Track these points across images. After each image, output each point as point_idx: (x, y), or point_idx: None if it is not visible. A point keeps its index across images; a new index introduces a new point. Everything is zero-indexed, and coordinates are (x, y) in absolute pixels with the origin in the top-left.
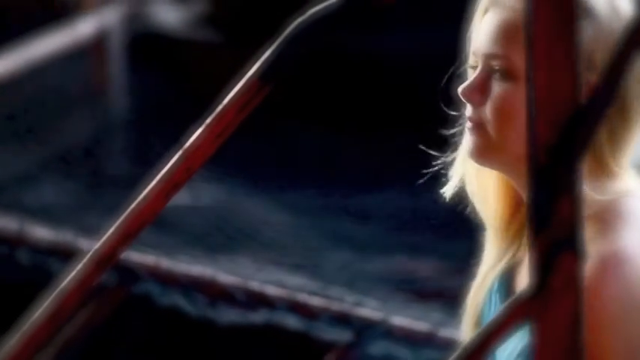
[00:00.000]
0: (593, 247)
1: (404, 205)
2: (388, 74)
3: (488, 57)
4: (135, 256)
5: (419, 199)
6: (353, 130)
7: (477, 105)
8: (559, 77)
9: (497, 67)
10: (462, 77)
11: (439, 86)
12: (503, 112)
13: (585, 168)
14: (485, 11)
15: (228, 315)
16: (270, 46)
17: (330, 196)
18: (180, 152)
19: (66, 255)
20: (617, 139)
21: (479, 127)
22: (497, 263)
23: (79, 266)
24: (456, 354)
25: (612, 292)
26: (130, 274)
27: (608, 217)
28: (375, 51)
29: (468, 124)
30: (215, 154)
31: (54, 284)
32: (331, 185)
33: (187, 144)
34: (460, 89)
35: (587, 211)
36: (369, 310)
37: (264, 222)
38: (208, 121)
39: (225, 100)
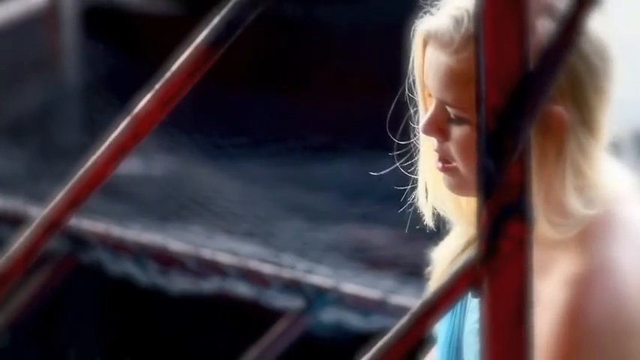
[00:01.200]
0: (581, 261)
1: (357, 174)
2: (342, 42)
3: (440, 101)
4: (85, 224)
5: (372, 167)
6: (306, 99)
7: (442, 140)
8: (507, 43)
9: (451, 112)
10: (414, 100)
11: (390, 55)
12: (465, 152)
13: (570, 187)
14: (425, 44)
15: (180, 283)
16: (219, 12)
17: (282, 165)
18: (128, 118)
19: (16, 222)
20: (587, 148)
21: (449, 167)
22: (466, 250)
23: (27, 232)
24: (404, 319)
25: (597, 307)
26: (80, 242)
27: (597, 230)
28: (327, 18)
29: (439, 165)
30: (167, 122)
31: (2, 251)
32: (284, 154)
33: (136, 110)
34: (421, 126)
35: (577, 228)
36: (320, 277)
37: (216, 191)
38: (157, 87)
39: (174, 66)
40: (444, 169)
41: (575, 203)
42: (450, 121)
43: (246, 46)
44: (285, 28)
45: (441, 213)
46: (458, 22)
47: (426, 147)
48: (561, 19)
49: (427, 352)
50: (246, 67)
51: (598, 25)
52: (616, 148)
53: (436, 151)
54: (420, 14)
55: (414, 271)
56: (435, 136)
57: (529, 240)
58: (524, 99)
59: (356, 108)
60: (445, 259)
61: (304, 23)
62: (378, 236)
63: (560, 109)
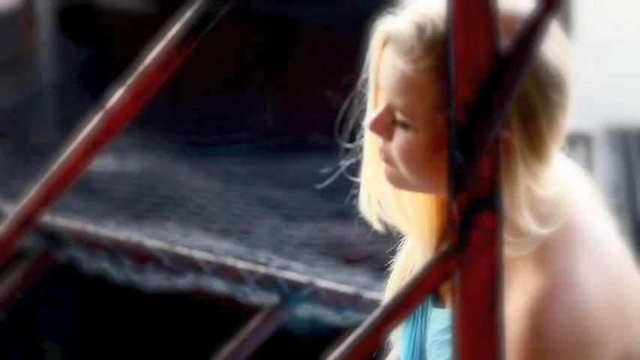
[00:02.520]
0: (541, 274)
1: (331, 171)
2: (316, 39)
3: (390, 103)
4: (60, 221)
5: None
6: (280, 96)
7: (386, 139)
8: (477, 37)
9: (398, 116)
10: (365, 98)
11: (365, 51)
12: (405, 157)
13: (521, 207)
14: (384, 44)
15: (155, 279)
16: (191, 6)
17: (257, 163)
18: (100, 113)
19: None
20: (535, 172)
21: (390, 161)
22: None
23: (1, 228)
24: (376, 312)
25: (558, 320)
26: (55, 239)
27: (556, 242)
28: (300, 15)
29: (382, 156)
30: (142, 120)
31: None
32: (258, 152)
33: (108, 105)
34: (367, 123)
35: (533, 246)
36: (295, 273)
37: (191, 189)
38: (129, 81)
39: (147, 61)
40: (386, 162)
41: (528, 222)
42: (395, 123)
43: (220, 44)
44: (259, 26)
45: (386, 219)
46: (420, 30)
47: (371, 144)
48: (530, 13)
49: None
50: (221, 65)
51: (558, 58)
52: (589, 145)
53: (379, 147)
54: (384, 13)
55: (388, 268)
56: (378, 135)
57: (500, 231)
58: (494, 92)
59: (330, 104)
60: (398, 267)
61: (278, 21)
62: (352, 232)
63: (507, 135)
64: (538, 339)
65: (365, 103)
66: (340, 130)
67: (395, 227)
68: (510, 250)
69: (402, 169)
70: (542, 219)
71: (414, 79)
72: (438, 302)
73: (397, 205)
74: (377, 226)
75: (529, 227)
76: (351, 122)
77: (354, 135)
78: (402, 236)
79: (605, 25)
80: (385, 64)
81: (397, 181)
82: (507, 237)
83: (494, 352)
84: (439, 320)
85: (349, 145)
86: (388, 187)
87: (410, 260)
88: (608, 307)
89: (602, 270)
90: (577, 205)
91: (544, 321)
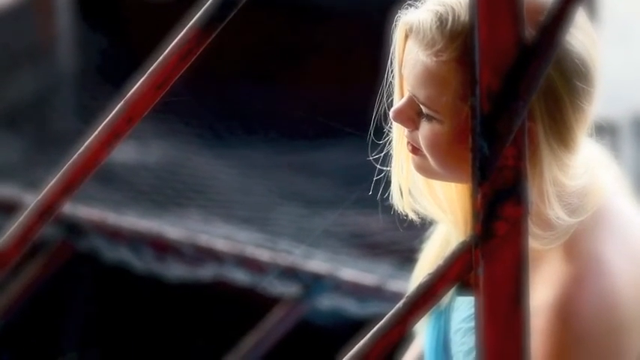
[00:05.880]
0: (569, 262)
1: (354, 160)
2: (338, 28)
3: (413, 95)
4: (81, 211)
5: (369, 153)
6: (303, 85)
7: (410, 128)
8: (502, 25)
9: (422, 108)
10: (391, 88)
11: (385, 39)
12: (431, 148)
13: (550, 199)
14: (406, 37)
15: (176, 270)
16: None
17: (279, 152)
18: (121, 102)
19: (11, 210)
20: (564, 161)
21: (417, 150)
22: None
23: (22, 218)
24: (401, 303)
25: (588, 307)
26: (76, 229)
27: (584, 229)
28: (323, 4)
29: (408, 147)
30: (163, 108)
31: None
32: (281, 140)
33: (129, 94)
34: (391, 113)
35: (562, 239)
36: (317, 263)
37: (212, 177)
38: (149, 70)
39: (166, 50)
40: (413, 152)
41: (558, 213)
42: (420, 114)
43: (242, 32)
44: (281, 15)
45: (420, 209)
46: (442, 21)
47: (399, 135)
48: (556, 1)
49: (407, 349)
50: (243, 53)
51: (583, 46)
52: (615, 133)
53: (406, 136)
54: (405, 5)
55: (411, 257)
56: (403, 125)
57: (525, 222)
58: (518, 81)
59: (352, 93)
60: (430, 255)
61: (300, 9)
62: (374, 222)
63: (531, 125)
64: (569, 327)
65: (392, 94)
66: (367, 119)
67: (428, 217)
68: (541, 244)
69: (430, 159)
70: (571, 211)
71: (437, 72)
72: (463, 290)
73: (429, 194)
74: (412, 216)
75: (559, 219)
76: (379, 112)
77: (380, 125)
78: (428, 225)
79: (632, 11)
80: (408, 56)
81: (426, 171)
82: (538, 230)
83: (519, 345)
84: (463, 308)
85: (379, 142)
86: (419, 177)
87: (445, 248)
88: (637, 293)
89: (630, 256)
90: (604, 192)
91: (574, 309)
